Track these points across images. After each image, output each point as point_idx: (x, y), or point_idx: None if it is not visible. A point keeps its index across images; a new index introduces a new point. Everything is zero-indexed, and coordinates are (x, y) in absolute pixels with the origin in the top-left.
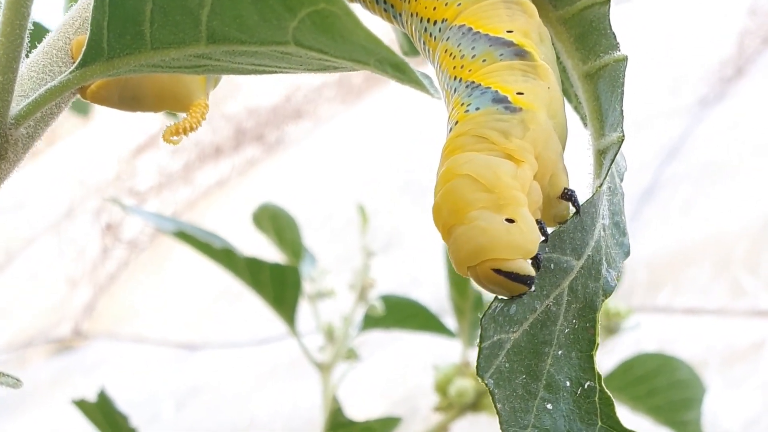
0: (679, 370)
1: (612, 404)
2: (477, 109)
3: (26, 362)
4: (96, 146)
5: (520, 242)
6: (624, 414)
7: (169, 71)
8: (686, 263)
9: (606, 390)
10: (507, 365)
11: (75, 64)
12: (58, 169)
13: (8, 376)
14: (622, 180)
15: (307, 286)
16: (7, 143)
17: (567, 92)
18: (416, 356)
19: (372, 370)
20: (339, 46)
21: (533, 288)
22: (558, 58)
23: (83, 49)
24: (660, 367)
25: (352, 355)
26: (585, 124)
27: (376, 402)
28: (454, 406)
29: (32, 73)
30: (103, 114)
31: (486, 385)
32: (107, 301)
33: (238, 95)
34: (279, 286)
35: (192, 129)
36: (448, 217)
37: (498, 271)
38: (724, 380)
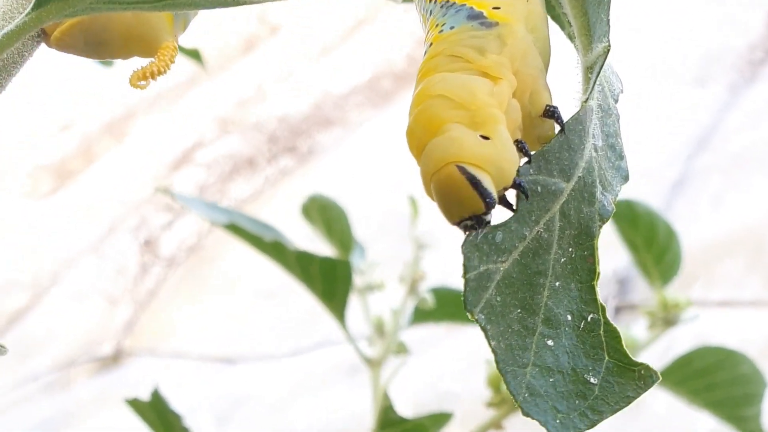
0: (741, 365)
1: (619, 336)
2: (452, 28)
3: (70, 382)
4: (132, 164)
5: (493, 157)
6: (681, 407)
7: (128, 7)
8: (720, 256)
9: (611, 322)
10: (498, 299)
11: (31, 5)
12: (96, 188)
13: None
14: (616, 101)
15: (356, 279)
16: None
17: (559, 18)
18: (466, 354)
19: (421, 368)
20: None
21: (488, 217)
22: None
23: None
24: (721, 362)
25: (402, 349)
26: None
27: (425, 400)
28: (507, 402)
29: None
30: (138, 131)
31: (476, 321)
32: (147, 318)
33: (265, 105)
34: (329, 280)
35: (160, 72)
36: (422, 135)
37: (462, 170)
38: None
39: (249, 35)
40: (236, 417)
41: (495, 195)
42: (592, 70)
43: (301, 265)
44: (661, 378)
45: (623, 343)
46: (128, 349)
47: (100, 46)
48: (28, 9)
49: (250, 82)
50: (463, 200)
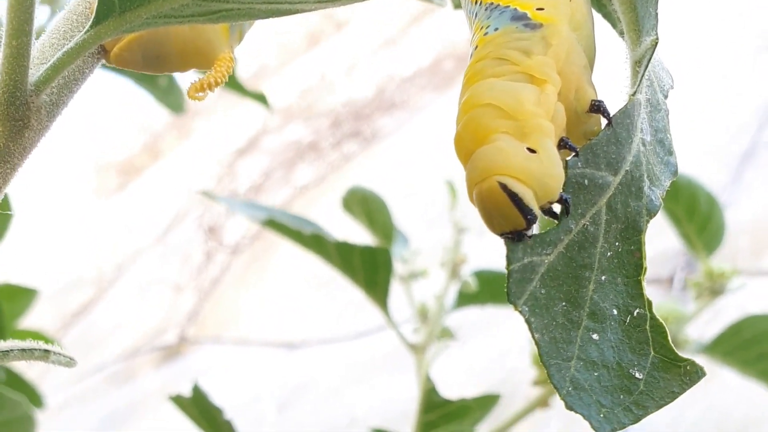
0: None
1: (665, 332)
2: (496, 29)
3: (136, 372)
4: (198, 155)
5: (537, 172)
6: (733, 378)
7: (183, 21)
8: None
9: (657, 317)
10: (543, 291)
11: (89, 23)
12: (162, 182)
13: (61, 354)
14: (666, 97)
15: (399, 268)
16: (29, 110)
17: (609, 15)
18: (515, 338)
19: (470, 353)
20: None
21: (529, 234)
22: None
23: (95, 7)
24: None
25: (446, 334)
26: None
27: (475, 385)
28: None
29: (53, 40)
30: (204, 125)
31: (520, 312)
32: (211, 306)
33: (329, 94)
34: (370, 269)
35: (217, 83)
36: (470, 144)
37: (504, 187)
38: None
39: (314, 30)
40: (297, 402)
41: (536, 211)
42: (640, 64)
43: (342, 255)
44: (708, 348)
45: (669, 338)
46: (192, 338)
47: (158, 60)
48: (87, 27)
49: (313, 73)
50: (504, 216)
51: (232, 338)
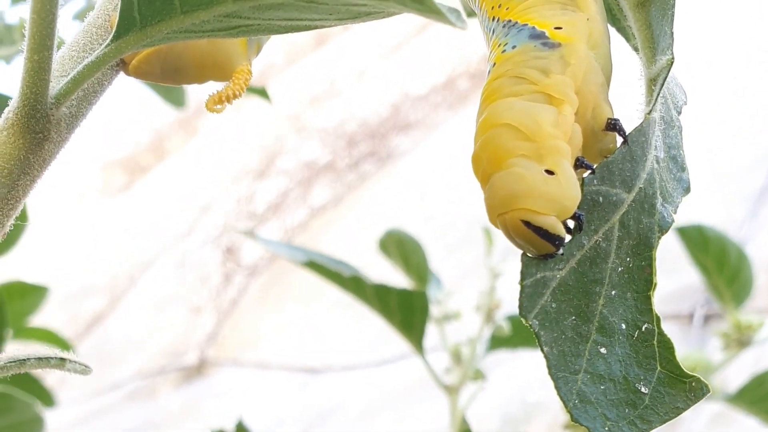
0: None
1: (672, 348)
2: (513, 47)
3: (155, 391)
4: (207, 163)
5: (556, 196)
6: (757, 428)
7: (203, 36)
8: None
9: (665, 333)
10: (554, 305)
11: (110, 37)
12: (169, 187)
13: (76, 362)
14: (680, 113)
15: (433, 310)
16: (49, 123)
17: (624, 30)
18: (536, 372)
19: (492, 386)
20: None
21: (561, 251)
22: None
23: (116, 21)
24: None
25: (479, 375)
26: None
27: (496, 420)
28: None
29: (73, 53)
30: (210, 127)
31: (530, 326)
32: (230, 327)
33: (339, 102)
34: (407, 312)
35: (235, 96)
36: (488, 166)
37: (527, 224)
38: None
39: (321, 30)
40: (322, 429)
41: (563, 234)
42: (655, 82)
43: (379, 297)
44: (734, 398)
45: (676, 354)
46: (212, 359)
47: (176, 73)
48: (108, 40)
49: (322, 77)
50: (533, 246)
51: (253, 361)
